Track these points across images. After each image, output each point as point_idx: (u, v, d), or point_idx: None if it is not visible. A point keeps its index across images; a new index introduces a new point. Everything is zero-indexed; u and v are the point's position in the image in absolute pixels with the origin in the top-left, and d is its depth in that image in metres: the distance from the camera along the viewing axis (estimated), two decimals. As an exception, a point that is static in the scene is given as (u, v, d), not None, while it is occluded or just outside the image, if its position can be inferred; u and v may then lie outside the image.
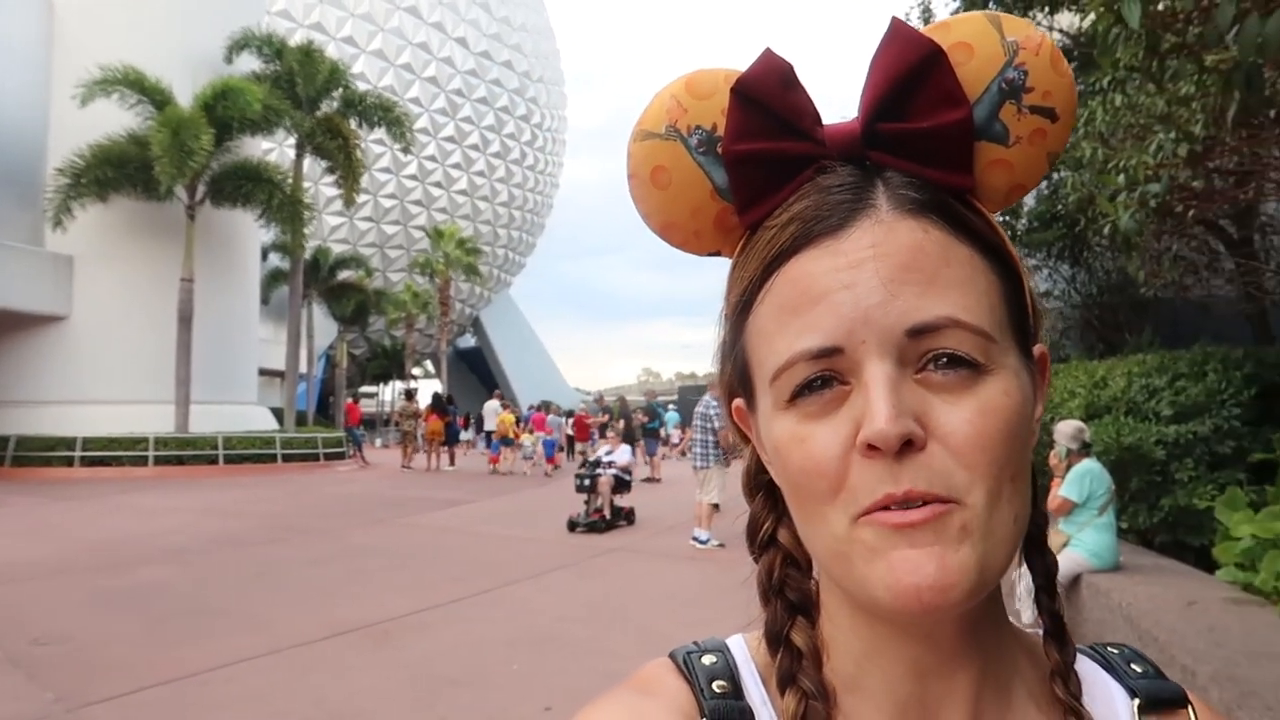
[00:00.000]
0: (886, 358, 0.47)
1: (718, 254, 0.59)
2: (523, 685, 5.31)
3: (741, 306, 0.54)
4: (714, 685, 0.57)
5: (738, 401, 0.59)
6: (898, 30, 0.52)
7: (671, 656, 0.61)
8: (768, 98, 0.52)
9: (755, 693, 0.58)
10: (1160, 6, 3.81)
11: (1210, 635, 4.45)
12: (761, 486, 0.61)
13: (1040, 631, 0.63)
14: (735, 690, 0.57)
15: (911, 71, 0.51)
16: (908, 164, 0.52)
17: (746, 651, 0.61)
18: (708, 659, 0.59)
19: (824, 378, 0.49)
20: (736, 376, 0.58)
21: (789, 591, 0.58)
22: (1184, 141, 4.03)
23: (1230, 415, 6.70)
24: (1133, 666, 0.63)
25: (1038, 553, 0.60)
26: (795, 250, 0.51)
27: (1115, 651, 0.64)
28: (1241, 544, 5.55)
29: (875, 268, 0.48)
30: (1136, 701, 0.60)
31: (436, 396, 25.88)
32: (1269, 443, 6.32)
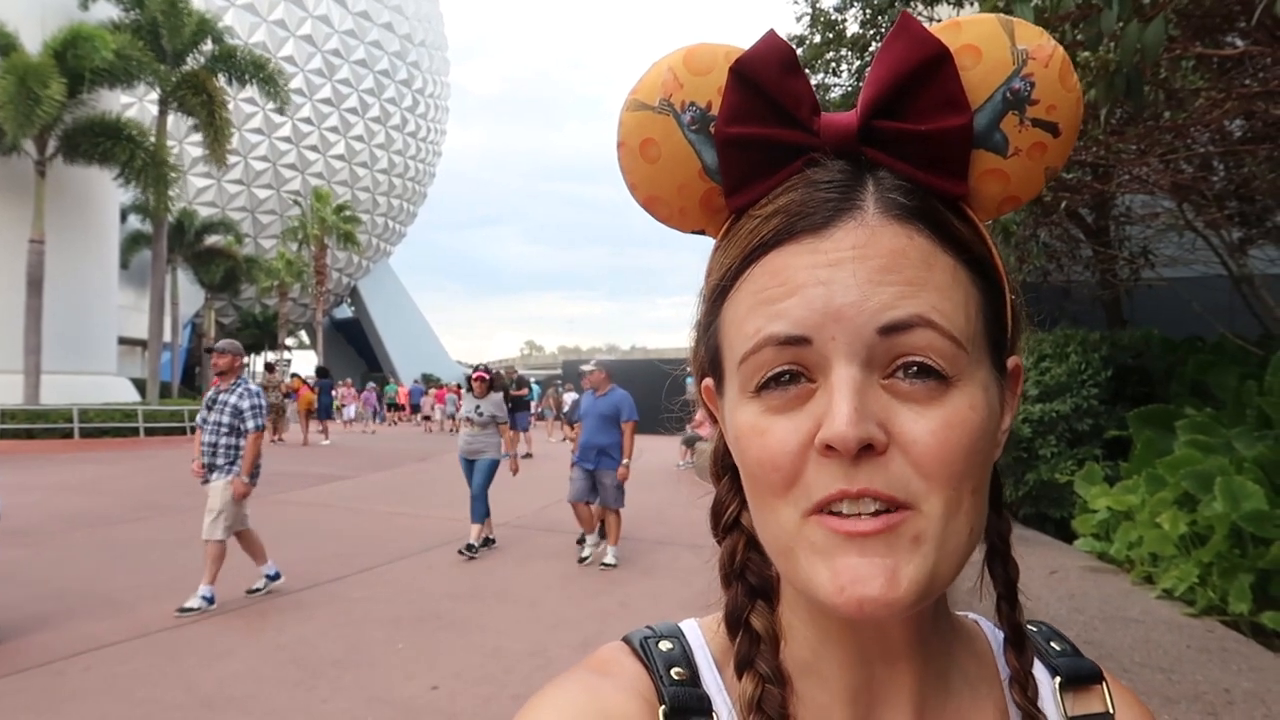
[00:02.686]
0: (854, 359, 0.47)
1: (701, 233, 0.58)
2: (408, 665, 5.21)
3: (719, 291, 0.54)
4: (672, 672, 0.57)
5: (708, 381, 0.59)
6: (906, 26, 0.50)
7: (627, 640, 0.61)
8: (766, 81, 0.51)
9: (710, 678, 0.58)
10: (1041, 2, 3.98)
11: (1070, 602, 4.76)
12: (728, 469, 0.61)
13: (969, 615, 0.66)
14: (693, 677, 0.57)
15: (916, 71, 0.49)
16: (902, 165, 0.51)
17: (701, 637, 0.61)
18: (665, 645, 0.59)
19: (791, 373, 0.48)
20: (708, 358, 0.57)
21: (750, 575, 0.58)
22: (1060, 136, 4.25)
23: (1089, 395, 7.14)
24: (1052, 645, 0.66)
25: (1000, 563, 0.61)
26: (777, 243, 0.50)
27: (1034, 630, 0.67)
28: (1098, 516, 5.93)
29: (854, 269, 0.47)
30: (1058, 679, 0.63)
31: (320, 369, 25.24)
32: (1123, 421, 6.76)
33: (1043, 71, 0.51)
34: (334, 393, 28.04)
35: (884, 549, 0.46)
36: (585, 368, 8.42)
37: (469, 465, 8.76)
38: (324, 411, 24.95)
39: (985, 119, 0.51)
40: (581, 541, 8.34)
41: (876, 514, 0.47)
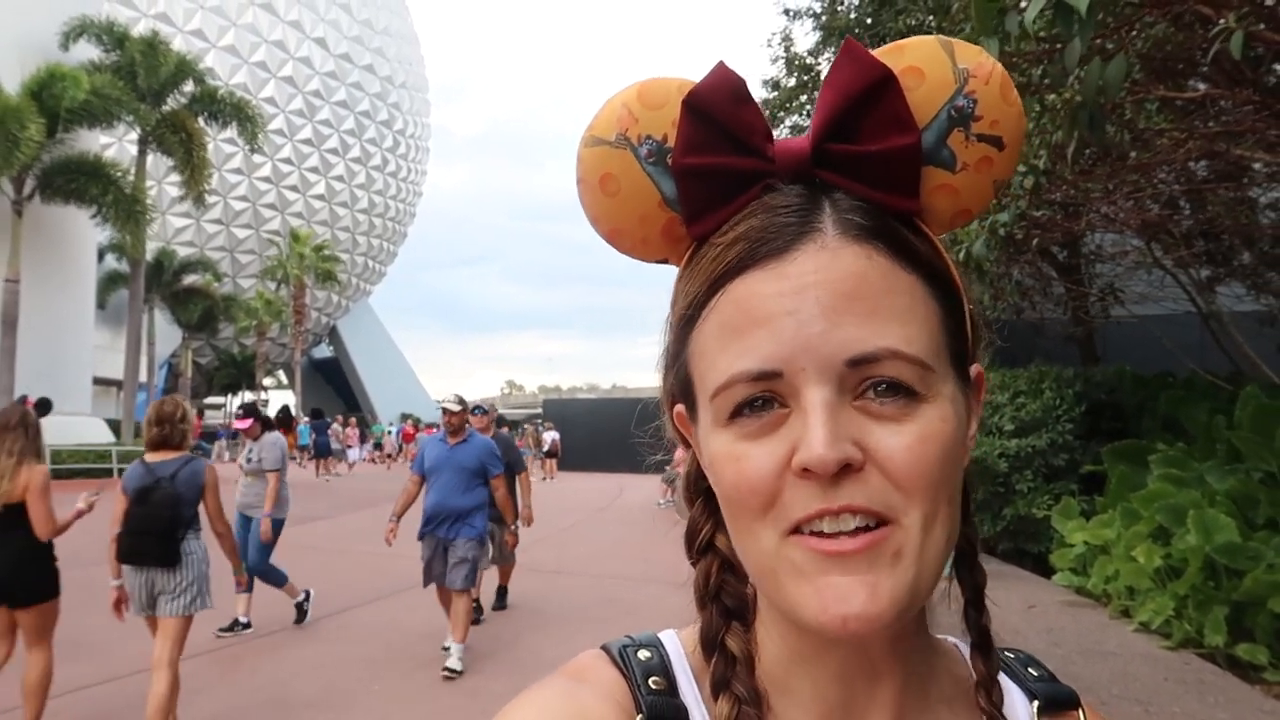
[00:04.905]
0: (826, 384, 0.47)
1: (665, 262, 0.59)
2: (385, 705, 5.14)
3: (686, 320, 0.54)
4: (650, 681, 0.57)
5: (679, 407, 0.59)
6: (851, 51, 0.52)
7: (605, 649, 0.60)
8: (719, 112, 0.52)
9: (688, 689, 0.58)
10: (1008, 48, 4.09)
11: (1049, 635, 4.77)
12: (701, 493, 0.61)
13: (949, 638, 0.66)
14: (670, 687, 0.57)
15: (863, 94, 0.51)
16: (856, 185, 0.52)
17: (680, 649, 0.61)
18: (643, 654, 0.59)
19: (764, 398, 0.49)
20: (679, 386, 0.58)
21: (725, 597, 0.58)
22: (1030, 174, 4.33)
23: (1064, 430, 7.21)
24: (1030, 670, 0.66)
25: (967, 569, 0.62)
26: (740, 270, 0.50)
27: (1012, 656, 0.67)
28: (1075, 550, 5.97)
29: (817, 295, 0.48)
30: (1036, 704, 0.63)
31: (284, 410, 24.88)
32: (1098, 456, 6.82)
33: (984, 88, 0.53)
34: (330, 432, 28.00)
35: (865, 566, 0.47)
36: (449, 405, 6.30)
37: (246, 523, 7.04)
38: (322, 450, 24.93)
39: (932, 136, 0.53)
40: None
41: (856, 532, 0.47)
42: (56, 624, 4.53)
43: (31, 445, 4.38)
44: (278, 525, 7.03)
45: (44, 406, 6.62)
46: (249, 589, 6.76)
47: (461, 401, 6.38)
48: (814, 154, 0.52)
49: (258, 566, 6.89)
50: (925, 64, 0.53)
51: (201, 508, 4.56)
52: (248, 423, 7.20)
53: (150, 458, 4.54)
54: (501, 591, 7.90)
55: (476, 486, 6.18)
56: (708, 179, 0.53)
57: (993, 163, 0.54)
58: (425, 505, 6.11)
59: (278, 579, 7.11)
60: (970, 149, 0.53)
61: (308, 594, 7.26)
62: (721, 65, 0.53)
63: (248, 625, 6.79)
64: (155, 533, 4.36)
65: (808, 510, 0.47)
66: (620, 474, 26.23)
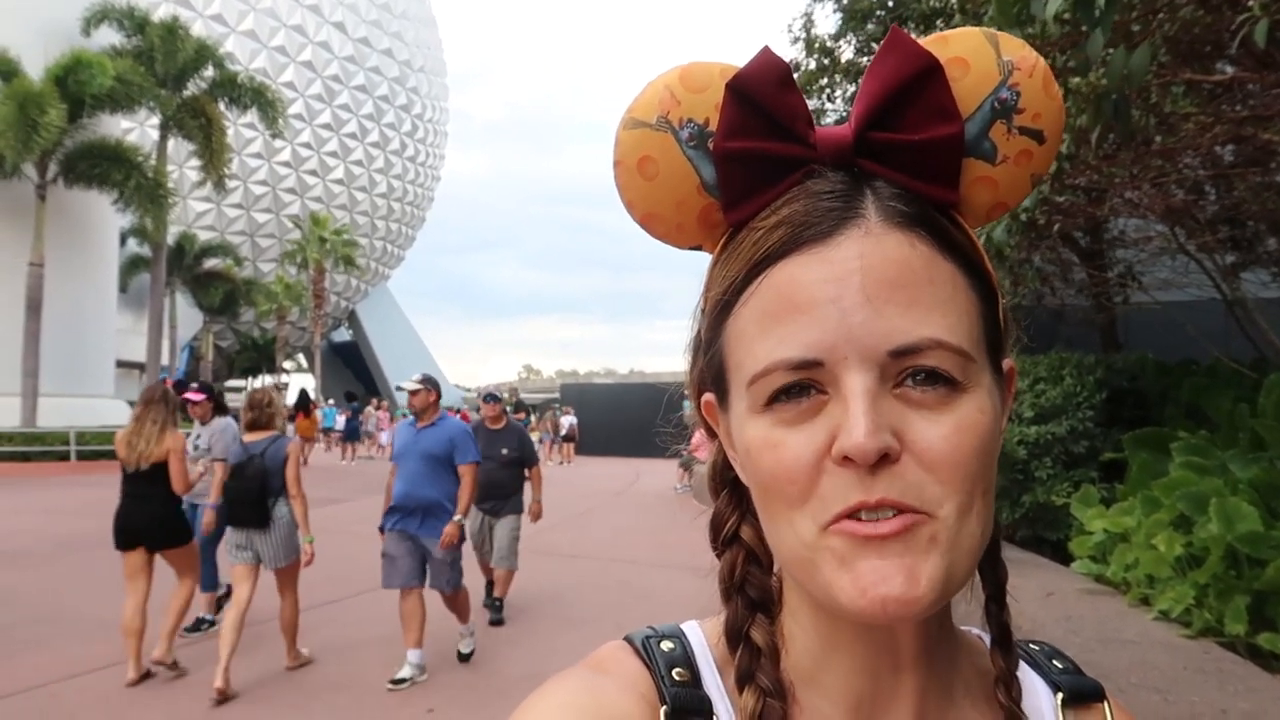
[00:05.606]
0: (868, 373, 0.47)
1: (698, 249, 0.59)
2: (403, 689, 5.19)
3: (722, 306, 0.54)
4: (674, 672, 0.57)
5: (707, 396, 0.59)
6: (896, 40, 0.52)
7: (628, 639, 0.60)
8: (762, 96, 0.52)
9: (712, 682, 0.58)
10: (1031, 30, 4.04)
11: (1067, 624, 4.75)
12: (726, 484, 0.61)
13: (972, 630, 0.66)
14: (694, 679, 0.57)
15: (907, 83, 0.51)
16: (896, 174, 0.52)
17: (704, 640, 0.61)
18: (666, 644, 0.59)
19: (802, 385, 0.49)
20: (710, 373, 0.57)
21: (750, 589, 0.58)
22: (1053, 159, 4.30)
23: (1085, 417, 7.15)
24: (1054, 663, 0.66)
25: (990, 564, 0.62)
26: (783, 254, 0.50)
27: (1036, 648, 0.67)
28: (1094, 538, 5.93)
29: (861, 281, 0.48)
30: (1060, 696, 0.63)
31: (303, 394, 25.03)
32: (1118, 443, 6.77)
33: (1027, 81, 0.53)
34: (363, 416, 28.59)
35: (902, 549, 0.47)
36: (407, 385, 5.89)
37: (194, 512, 6.39)
38: (351, 434, 25.34)
39: (975, 128, 0.53)
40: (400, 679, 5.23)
41: (895, 515, 0.48)
42: (195, 561, 5.71)
43: (171, 416, 5.48)
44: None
45: (180, 387, 6.76)
46: (213, 588, 6.58)
47: (427, 381, 5.87)
48: (856, 142, 0.52)
49: (203, 553, 6.26)
50: (970, 55, 0.53)
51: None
52: (200, 397, 6.56)
53: (246, 438, 5.59)
54: (495, 604, 6.81)
55: (447, 475, 5.61)
56: (749, 164, 0.53)
57: (1032, 156, 0.54)
58: (393, 495, 5.57)
59: (208, 577, 6.44)
60: (1011, 141, 0.53)
61: (220, 604, 6.61)
62: (766, 50, 0.53)
63: (214, 623, 6.43)
64: (248, 501, 5.26)
65: (847, 503, 0.47)
66: (637, 459, 26.27)
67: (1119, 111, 2.91)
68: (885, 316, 0.48)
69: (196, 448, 6.47)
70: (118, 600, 5.17)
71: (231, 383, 53.16)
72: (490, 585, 7.00)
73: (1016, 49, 0.53)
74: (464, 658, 5.71)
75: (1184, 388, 7.21)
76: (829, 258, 0.49)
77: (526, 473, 7.12)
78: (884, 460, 0.47)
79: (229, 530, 5.41)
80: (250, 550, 5.31)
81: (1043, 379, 7.51)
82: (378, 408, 31.65)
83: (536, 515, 7.25)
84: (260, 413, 5.58)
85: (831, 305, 0.48)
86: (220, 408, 6.77)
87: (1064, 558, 6.56)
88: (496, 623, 6.65)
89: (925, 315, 0.48)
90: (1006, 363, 0.56)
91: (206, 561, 6.31)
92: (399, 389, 6.14)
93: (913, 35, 0.52)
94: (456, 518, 5.48)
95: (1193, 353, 8.41)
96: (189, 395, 6.55)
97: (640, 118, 0.55)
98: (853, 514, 0.48)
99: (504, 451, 6.91)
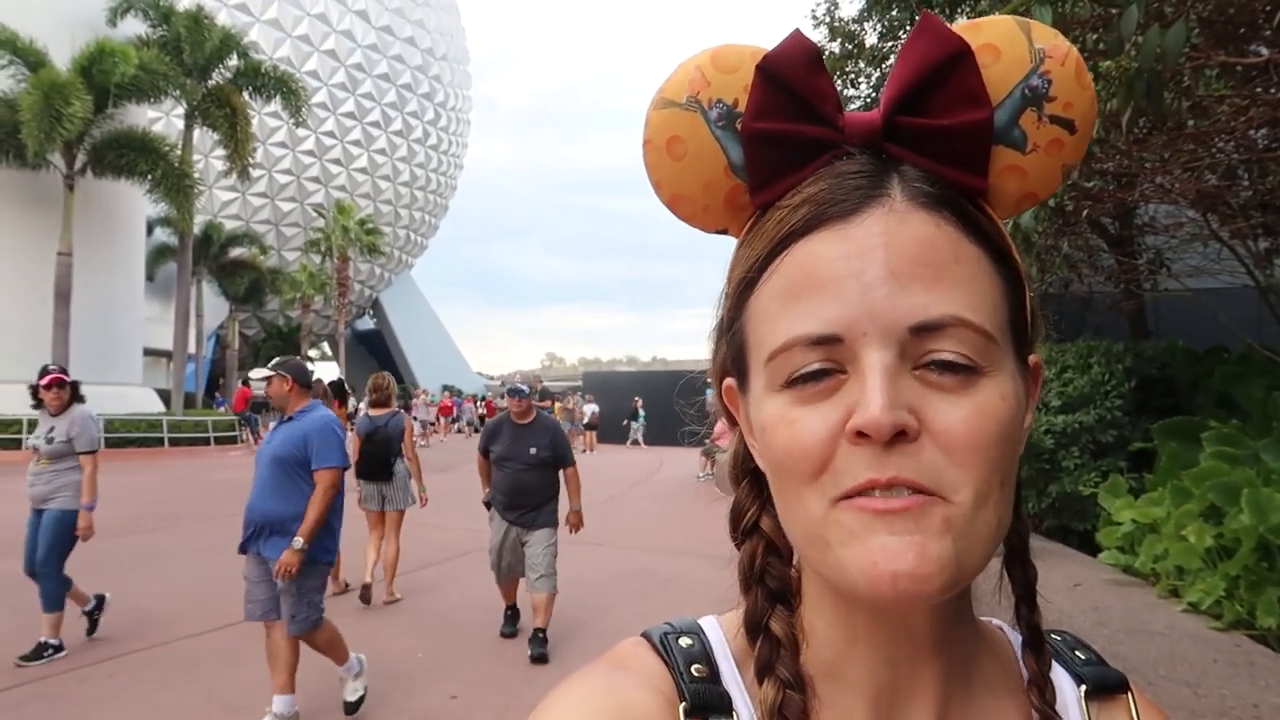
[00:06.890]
0: (887, 349, 0.47)
1: (724, 232, 0.58)
2: (427, 673, 5.23)
3: (745, 285, 0.53)
4: (693, 669, 0.57)
5: (729, 382, 0.59)
6: (928, 24, 0.51)
7: (646, 635, 0.60)
8: (792, 78, 0.52)
9: (731, 678, 0.58)
10: (1063, 8, 3.96)
11: (1094, 615, 4.71)
12: (747, 473, 0.61)
13: (993, 620, 0.65)
14: (713, 674, 0.57)
15: (937, 68, 0.51)
16: (925, 160, 0.51)
17: (721, 634, 0.60)
18: (684, 640, 0.59)
19: (821, 370, 0.48)
20: (731, 355, 0.57)
21: (769, 580, 0.58)
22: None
23: (1113, 406, 7.06)
24: (1077, 654, 0.65)
25: (1019, 565, 0.61)
26: (806, 231, 0.50)
27: (1059, 639, 0.66)
28: (1122, 529, 5.87)
29: (884, 256, 0.48)
30: (1084, 688, 0.62)
31: (339, 382, 25.15)
32: (1147, 433, 6.68)
33: (1059, 69, 0.52)
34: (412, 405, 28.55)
35: (912, 526, 0.46)
36: (256, 375, 5.06)
37: (37, 519, 5.57)
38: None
39: (1005, 115, 0.52)
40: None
41: (908, 493, 0.47)
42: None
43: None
44: (71, 517, 5.57)
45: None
46: (58, 607, 5.48)
47: (280, 365, 4.71)
48: (884, 126, 0.52)
49: (46, 565, 5.48)
50: (1002, 41, 0.52)
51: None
52: (48, 381, 5.62)
53: (372, 413, 7.21)
54: (538, 636, 5.60)
55: (300, 483, 4.44)
56: (777, 145, 0.53)
57: (1063, 146, 0.53)
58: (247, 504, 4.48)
59: (54, 594, 5.50)
60: (1042, 130, 0.53)
61: (100, 601, 5.94)
62: (797, 33, 0.53)
63: (59, 648, 5.47)
64: (379, 460, 7.02)
65: (858, 480, 0.47)
66: (660, 447, 26.31)
67: (1151, 93, 2.85)
68: (908, 292, 0.47)
69: (49, 440, 5.55)
70: (146, 585, 5.26)
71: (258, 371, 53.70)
72: (510, 611, 6.13)
73: (1049, 37, 0.53)
74: (351, 708, 4.55)
75: (1215, 376, 7.10)
76: (852, 234, 0.49)
77: (561, 475, 5.99)
78: (900, 438, 0.46)
79: (361, 483, 7.00)
80: (377, 499, 7.01)
81: (1070, 367, 7.43)
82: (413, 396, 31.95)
83: (576, 526, 6.10)
84: (380, 394, 7.17)
85: (853, 280, 0.48)
86: (77, 395, 5.75)
87: (1091, 548, 6.50)
88: (539, 659, 5.46)
89: (949, 293, 0.48)
90: (1033, 358, 0.55)
91: (51, 577, 5.49)
92: (246, 380, 5.80)
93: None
94: (296, 542, 4.22)
95: (1224, 340, 8.29)
96: (47, 379, 5.61)
97: (670, 97, 0.55)
98: (865, 491, 0.47)
99: (532, 450, 5.77)
